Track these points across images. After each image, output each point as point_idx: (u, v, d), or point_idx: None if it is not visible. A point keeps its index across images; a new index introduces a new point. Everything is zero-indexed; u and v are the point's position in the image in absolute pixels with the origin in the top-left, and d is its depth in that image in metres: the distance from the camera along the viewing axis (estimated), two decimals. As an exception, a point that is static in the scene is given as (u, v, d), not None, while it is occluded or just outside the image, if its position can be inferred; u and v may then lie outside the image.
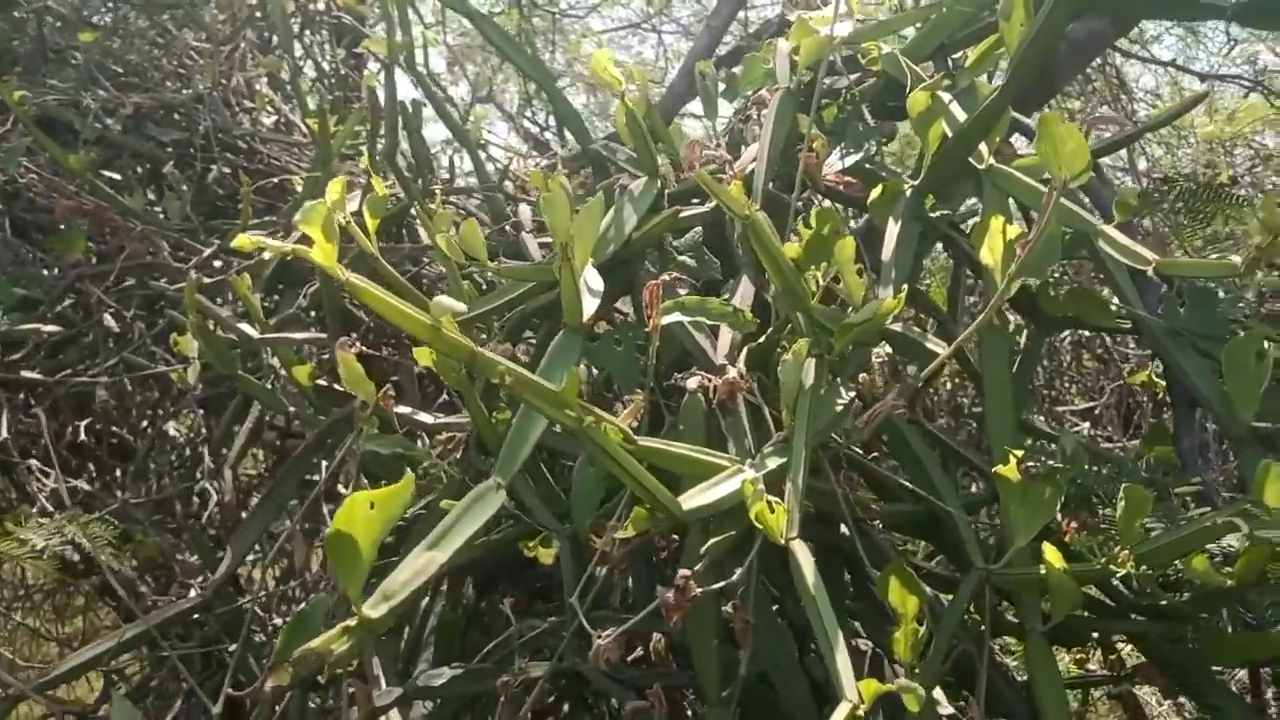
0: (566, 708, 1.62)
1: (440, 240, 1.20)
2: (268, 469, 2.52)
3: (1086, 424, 2.73)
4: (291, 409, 1.77)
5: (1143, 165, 3.46)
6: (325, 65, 3.49)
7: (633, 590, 1.53)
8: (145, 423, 2.43)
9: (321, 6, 3.57)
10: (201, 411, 2.36)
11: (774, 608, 1.36)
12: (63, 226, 2.40)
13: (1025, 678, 1.28)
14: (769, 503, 0.95)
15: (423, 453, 1.34)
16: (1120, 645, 1.69)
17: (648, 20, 6.95)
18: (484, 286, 1.80)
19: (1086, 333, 2.95)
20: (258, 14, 3.18)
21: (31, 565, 1.60)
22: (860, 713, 0.80)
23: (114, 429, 2.33)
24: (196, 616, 1.70)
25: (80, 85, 2.74)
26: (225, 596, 1.66)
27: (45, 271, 2.40)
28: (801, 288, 1.10)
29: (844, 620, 1.30)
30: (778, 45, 1.49)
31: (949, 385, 2.86)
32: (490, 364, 0.89)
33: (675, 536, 1.48)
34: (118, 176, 2.59)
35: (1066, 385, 3.09)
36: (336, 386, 1.99)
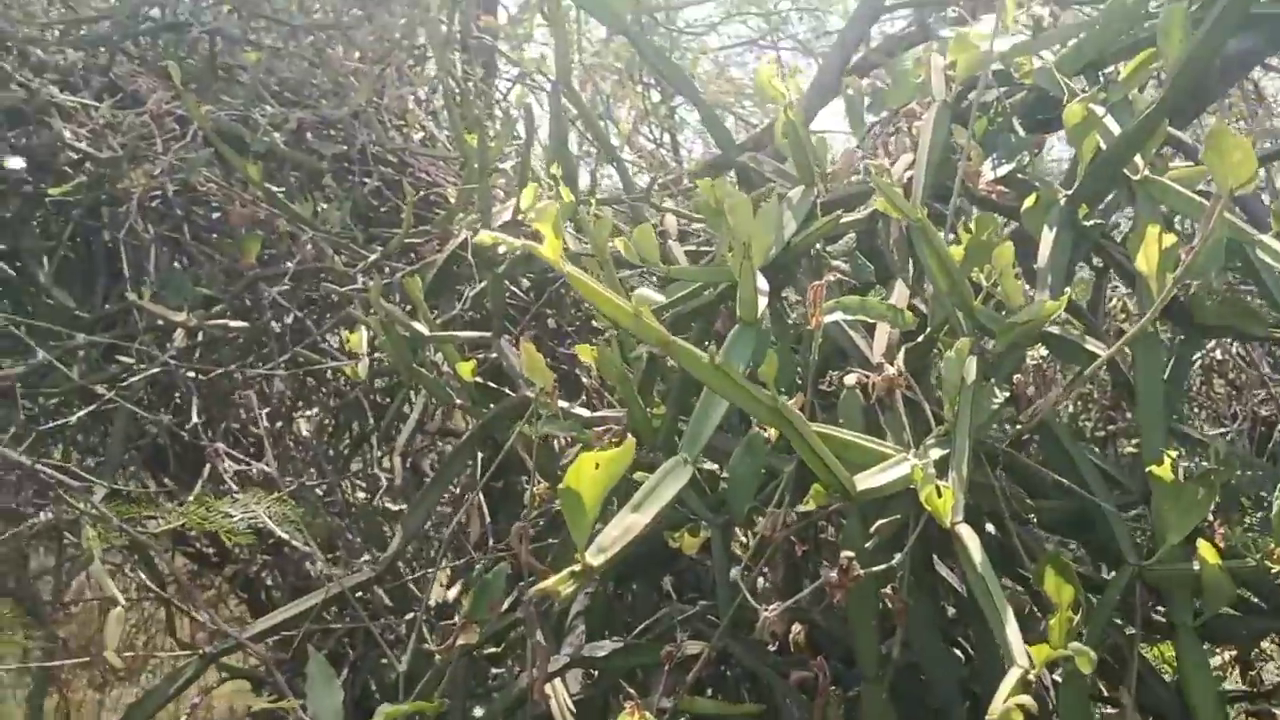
0: (710, 691, 1.69)
1: (619, 243, 1.30)
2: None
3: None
4: (456, 401, 1.90)
5: (1280, 182, 3.39)
6: (464, 84, 3.66)
7: (775, 585, 1.61)
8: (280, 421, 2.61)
9: (458, 29, 3.76)
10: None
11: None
12: (233, 233, 2.59)
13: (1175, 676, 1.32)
14: (937, 487, 1.02)
15: (594, 436, 1.44)
16: (1259, 664, 1.70)
17: (765, 36, 7.04)
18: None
19: (1218, 356, 2.91)
20: (405, 37, 3.38)
21: (227, 537, 1.74)
22: (1030, 677, 0.86)
23: (277, 420, 2.51)
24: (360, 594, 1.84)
25: (248, 102, 2.95)
26: (395, 572, 1.79)
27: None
28: (967, 289, 1.17)
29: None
30: (932, 59, 1.56)
31: (1071, 408, 2.86)
32: (686, 352, 0.98)
33: (805, 542, 1.56)
34: (279, 188, 2.79)
35: (1196, 411, 3.04)
36: (492, 385, 2.12)
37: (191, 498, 1.84)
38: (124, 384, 2.10)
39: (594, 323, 2.54)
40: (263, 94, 3.03)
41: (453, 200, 2.68)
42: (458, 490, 2.19)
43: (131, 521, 1.73)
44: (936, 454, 1.13)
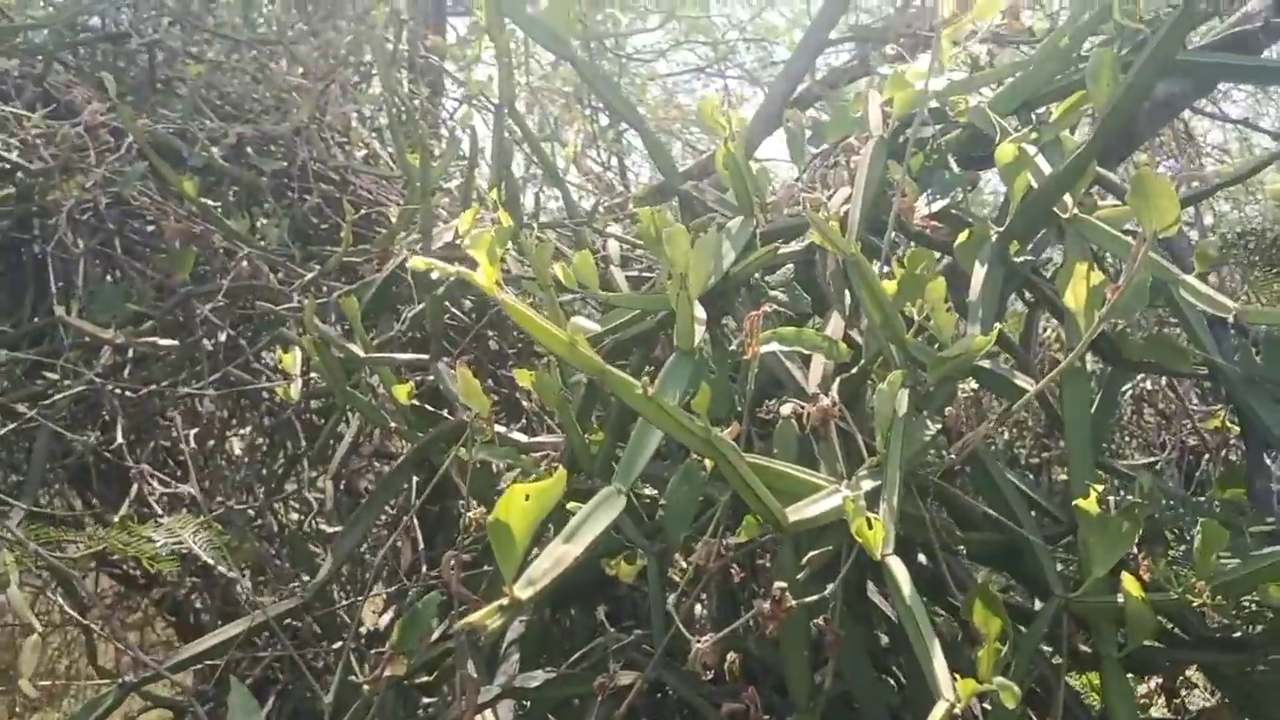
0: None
1: (558, 269, 1.30)
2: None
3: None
4: (391, 424, 1.87)
5: (1209, 220, 3.50)
6: (410, 103, 3.64)
7: (710, 613, 1.61)
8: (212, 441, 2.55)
9: (405, 47, 3.74)
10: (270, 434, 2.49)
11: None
12: (167, 248, 2.54)
13: (1099, 706, 1.34)
14: (868, 519, 1.02)
15: (531, 463, 1.43)
16: (1184, 692, 1.73)
17: (713, 65, 7.11)
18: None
19: (1148, 386, 2.99)
20: (351, 54, 3.36)
21: (149, 564, 1.69)
22: (956, 711, 0.87)
23: (198, 442, 2.46)
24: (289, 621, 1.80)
25: (187, 115, 2.90)
26: (325, 598, 1.76)
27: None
28: (899, 323, 1.18)
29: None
30: (869, 95, 1.58)
31: (1006, 435, 2.91)
32: (620, 381, 0.98)
33: (743, 569, 1.57)
34: (215, 203, 2.74)
35: (1127, 439, 3.12)
36: (430, 408, 2.10)
37: (116, 519, 1.79)
38: (47, 402, 2.04)
39: (536, 346, 2.53)
40: (202, 108, 2.98)
41: (394, 219, 2.66)
42: (395, 513, 2.16)
43: (51, 545, 1.68)
44: (868, 485, 1.13)
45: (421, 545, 1.87)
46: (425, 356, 1.88)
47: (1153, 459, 2.88)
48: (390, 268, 2.22)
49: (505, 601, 0.82)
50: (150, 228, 2.68)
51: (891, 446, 1.15)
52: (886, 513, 1.07)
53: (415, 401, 1.96)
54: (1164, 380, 2.88)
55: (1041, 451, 2.70)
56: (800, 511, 1.06)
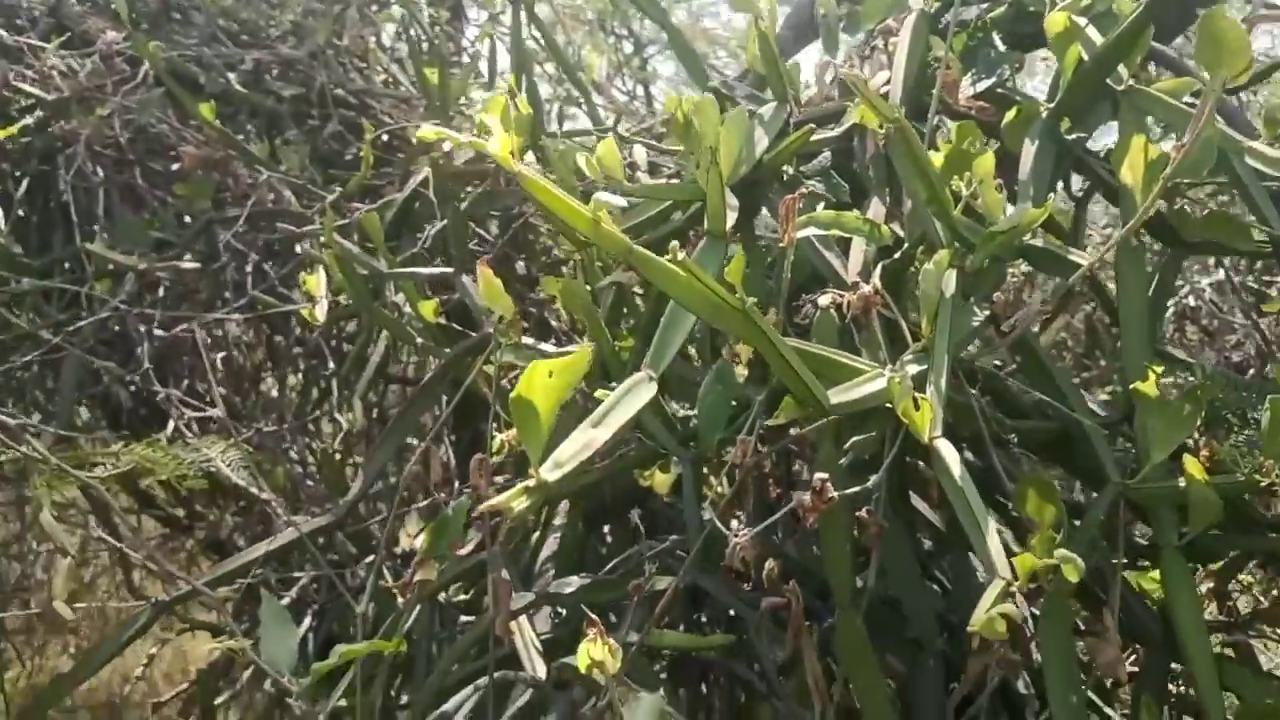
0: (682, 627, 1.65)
1: (581, 159, 1.23)
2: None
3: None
4: (419, 340, 1.83)
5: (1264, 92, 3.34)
6: (427, 26, 3.56)
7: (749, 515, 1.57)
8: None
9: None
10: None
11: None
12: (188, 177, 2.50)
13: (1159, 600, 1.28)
14: (914, 400, 0.97)
15: (558, 367, 1.38)
16: (1235, 596, 1.68)
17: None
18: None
19: (1191, 303, 2.90)
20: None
21: (176, 482, 1.68)
22: (1013, 589, 0.82)
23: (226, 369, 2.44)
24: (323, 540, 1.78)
25: (203, 42, 2.85)
26: (357, 517, 1.73)
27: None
28: (946, 196, 1.11)
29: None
30: (908, -28, 1.49)
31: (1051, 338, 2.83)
32: (648, 257, 0.92)
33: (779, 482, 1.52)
34: (234, 132, 2.69)
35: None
36: (456, 326, 2.06)
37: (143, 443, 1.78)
38: (72, 329, 2.02)
39: (562, 268, 2.47)
40: (218, 35, 2.93)
41: (414, 141, 2.60)
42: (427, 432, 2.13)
43: (79, 467, 1.66)
44: (914, 370, 1.07)
45: (453, 463, 1.84)
46: (449, 270, 1.83)
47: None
48: (412, 185, 2.16)
49: (531, 483, 0.77)
50: (171, 158, 2.64)
51: (939, 330, 1.09)
52: (934, 395, 1.01)
53: (442, 320, 1.92)
54: (1207, 295, 2.79)
55: (1082, 371, 2.63)
56: (844, 393, 1.01)
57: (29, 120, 2.50)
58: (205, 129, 2.42)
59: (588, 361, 0.79)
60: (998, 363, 1.42)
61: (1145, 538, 1.33)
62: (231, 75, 2.75)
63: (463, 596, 1.87)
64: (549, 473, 0.80)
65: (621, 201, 0.92)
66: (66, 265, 2.46)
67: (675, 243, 0.90)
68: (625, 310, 1.68)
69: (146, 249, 2.35)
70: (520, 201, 2.15)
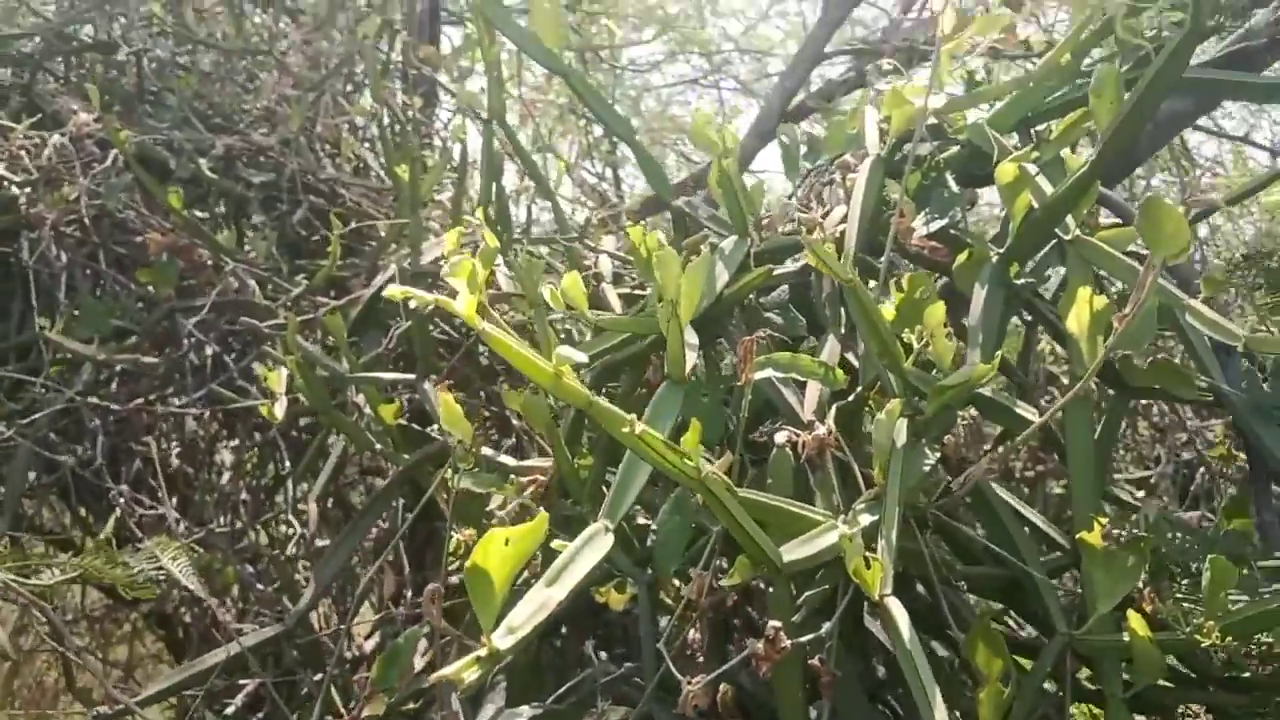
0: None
1: (545, 291, 1.26)
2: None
3: (1141, 492, 2.73)
4: (377, 446, 1.83)
5: (1204, 232, 3.47)
6: (401, 115, 3.61)
7: (703, 644, 1.56)
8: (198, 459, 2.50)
9: (397, 56, 3.71)
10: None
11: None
12: (153, 261, 2.50)
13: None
14: (865, 558, 0.98)
15: (516, 489, 1.39)
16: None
17: (707, 76, 7.08)
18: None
19: (1142, 401, 2.96)
20: (344, 63, 3.32)
21: (125, 591, 1.65)
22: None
23: (182, 460, 2.41)
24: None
25: (175, 126, 2.87)
26: (306, 625, 1.71)
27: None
28: (898, 350, 1.14)
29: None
30: (866, 112, 1.55)
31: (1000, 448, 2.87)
32: (608, 414, 0.94)
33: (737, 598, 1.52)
34: (203, 215, 2.70)
35: (1121, 453, 3.09)
36: (417, 427, 2.06)
37: (92, 544, 1.75)
38: (25, 421, 2.00)
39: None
40: (191, 119, 2.95)
41: (384, 233, 2.62)
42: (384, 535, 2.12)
43: (29, 569, 1.63)
44: (866, 520, 1.09)
45: (408, 569, 1.83)
46: (412, 376, 1.83)
47: (1148, 472, 2.84)
48: (378, 283, 2.18)
49: (483, 653, 0.77)
50: (137, 240, 2.64)
51: (890, 479, 1.11)
52: (885, 550, 1.03)
53: (404, 421, 1.92)
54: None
55: (1036, 465, 2.66)
56: (795, 551, 1.02)
57: (-5, 199, 2.49)
58: (172, 215, 2.43)
59: (544, 531, 0.80)
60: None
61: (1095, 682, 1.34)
62: (202, 160, 2.77)
63: (411, 706, 1.84)
64: (502, 640, 0.80)
65: (581, 357, 0.94)
66: (19, 337, 2.43)
67: (632, 416, 0.92)
68: (586, 425, 1.69)
69: (106, 335, 2.34)
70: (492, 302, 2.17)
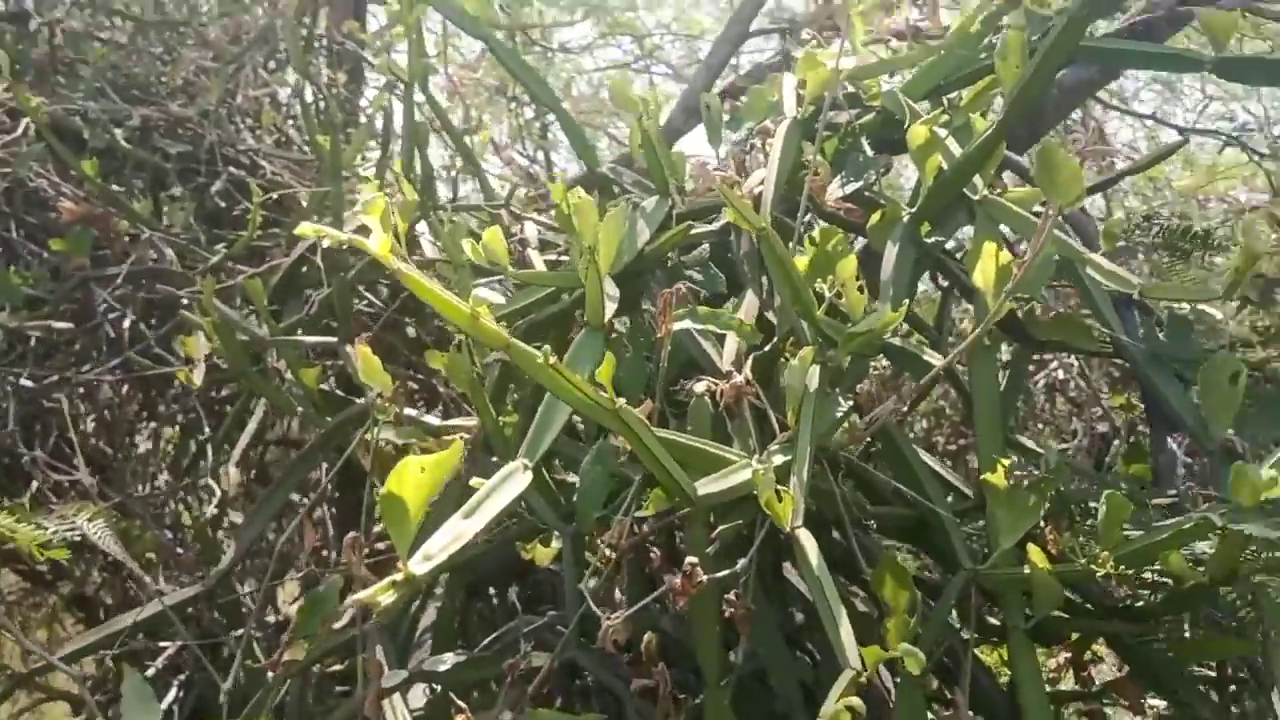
0: (559, 701, 1.66)
1: (467, 246, 1.27)
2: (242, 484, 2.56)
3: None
4: (298, 409, 1.82)
5: (1119, 215, 3.59)
6: (325, 90, 3.56)
7: (626, 592, 1.59)
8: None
9: (321, 31, 3.66)
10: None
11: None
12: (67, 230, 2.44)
13: (1007, 678, 1.35)
14: (777, 492, 1.02)
15: (438, 444, 1.40)
16: (1092, 666, 1.77)
17: (639, 60, 7.10)
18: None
19: (1060, 376, 3.07)
20: (264, 36, 3.27)
21: (37, 552, 1.62)
22: (862, 679, 0.87)
23: (99, 429, 2.37)
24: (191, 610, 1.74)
25: (89, 96, 2.80)
26: (227, 586, 1.70)
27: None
28: (809, 298, 1.18)
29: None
30: (783, 78, 1.58)
31: (924, 424, 2.96)
32: (524, 353, 0.96)
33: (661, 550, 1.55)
34: (119, 187, 2.64)
35: (1040, 427, 3.20)
36: (339, 392, 2.05)
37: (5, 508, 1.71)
38: (-67, 389, 1.95)
39: (454, 334, 2.48)
40: (106, 90, 2.88)
41: (305, 204, 2.59)
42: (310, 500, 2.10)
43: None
44: (779, 460, 1.13)
45: (333, 532, 1.82)
46: (333, 339, 1.82)
47: (1064, 445, 2.95)
48: (299, 250, 2.16)
49: (399, 577, 0.79)
50: (51, 214, 2.57)
51: (802, 422, 1.14)
52: (796, 486, 1.06)
53: (326, 387, 1.91)
54: (1075, 369, 2.97)
55: (959, 439, 2.75)
56: (710, 485, 1.05)
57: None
58: (86, 184, 2.37)
59: (460, 457, 0.81)
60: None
61: (998, 617, 1.40)
62: (118, 131, 2.71)
63: (338, 667, 1.84)
64: (418, 566, 0.82)
65: (499, 298, 0.95)
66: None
67: (547, 346, 0.93)
68: (511, 384, 1.70)
69: (18, 304, 2.28)
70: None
